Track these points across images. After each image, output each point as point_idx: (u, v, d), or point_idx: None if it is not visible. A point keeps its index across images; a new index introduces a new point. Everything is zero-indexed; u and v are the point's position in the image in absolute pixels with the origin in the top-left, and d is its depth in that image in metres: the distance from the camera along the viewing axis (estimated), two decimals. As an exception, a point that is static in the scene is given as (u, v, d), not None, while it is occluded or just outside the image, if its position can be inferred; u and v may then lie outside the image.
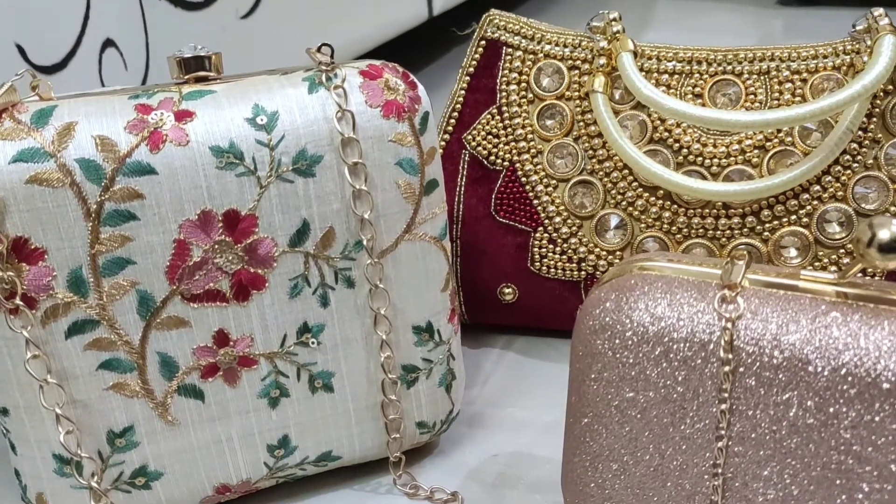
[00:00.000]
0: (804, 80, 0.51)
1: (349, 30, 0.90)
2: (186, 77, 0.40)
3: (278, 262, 0.39)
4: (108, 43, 0.57)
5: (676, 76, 0.53)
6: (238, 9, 0.70)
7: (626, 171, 0.53)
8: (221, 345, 0.39)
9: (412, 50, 1.24)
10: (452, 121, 0.56)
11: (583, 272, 0.54)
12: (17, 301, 0.36)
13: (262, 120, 0.38)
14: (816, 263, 0.50)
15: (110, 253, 0.37)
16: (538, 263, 0.55)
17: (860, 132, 0.49)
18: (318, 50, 0.42)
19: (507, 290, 0.56)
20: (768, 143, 0.51)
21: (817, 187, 0.50)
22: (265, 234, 0.39)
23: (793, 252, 0.51)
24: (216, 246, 0.38)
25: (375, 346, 0.42)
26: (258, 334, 0.40)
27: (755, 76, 0.52)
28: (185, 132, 0.37)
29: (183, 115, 0.38)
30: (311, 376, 0.41)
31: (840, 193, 0.50)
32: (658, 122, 0.52)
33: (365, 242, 0.40)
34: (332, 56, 0.42)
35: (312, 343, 0.41)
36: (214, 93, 0.39)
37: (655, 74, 0.53)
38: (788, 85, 0.51)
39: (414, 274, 0.42)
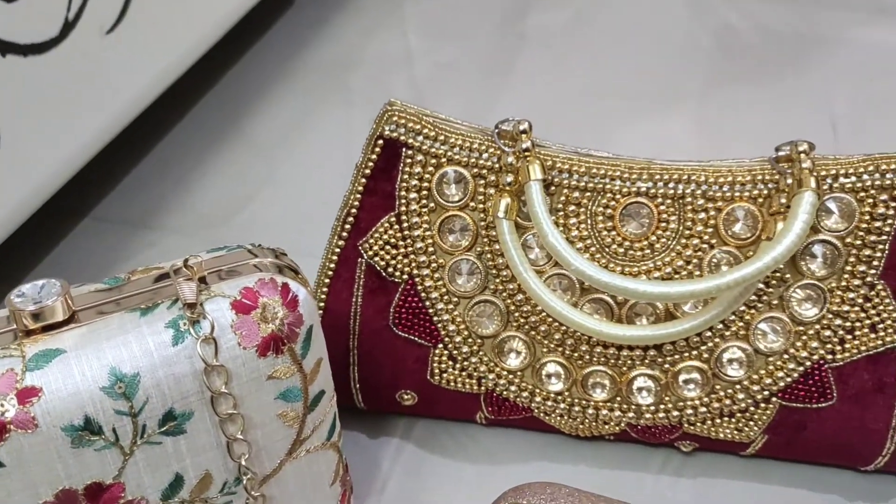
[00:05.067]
0: (718, 210, 0.48)
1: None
2: (32, 327, 0.35)
3: (152, 517, 0.37)
4: (-55, 132, 0.49)
5: (589, 193, 0.49)
6: (102, 25, 0.61)
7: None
8: None
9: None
10: (347, 226, 0.51)
11: (483, 387, 0.53)
12: None
13: (120, 388, 0.34)
14: (713, 395, 0.50)
15: (-40, 550, 0.34)
16: (437, 377, 0.53)
17: (768, 273, 0.48)
18: (186, 268, 0.37)
19: (406, 396, 0.55)
20: (676, 276, 0.49)
21: (720, 325, 0.49)
22: (134, 496, 0.36)
23: (691, 386, 0.51)
24: (80, 519, 0.36)
25: (262, 560, 0.41)
26: (135, 580, 0.38)
27: (669, 201, 0.49)
28: (32, 416, 0.33)
29: (27, 395, 0.33)
30: None
31: (742, 332, 0.49)
32: (566, 244, 0.49)
33: (245, 482, 0.38)
34: (200, 267, 0.37)
35: (194, 574, 0.40)
36: (64, 353, 0.34)
37: (566, 191, 0.49)
38: (702, 215, 0.48)
39: (301, 486, 0.41)
